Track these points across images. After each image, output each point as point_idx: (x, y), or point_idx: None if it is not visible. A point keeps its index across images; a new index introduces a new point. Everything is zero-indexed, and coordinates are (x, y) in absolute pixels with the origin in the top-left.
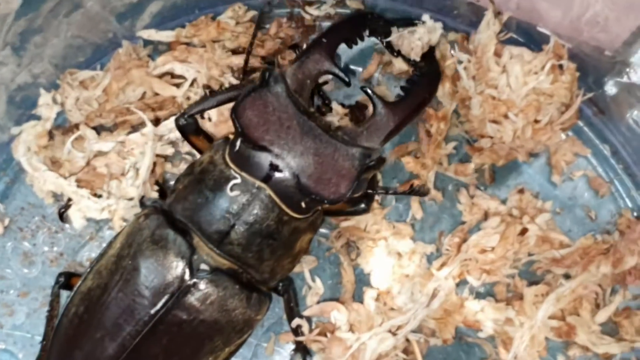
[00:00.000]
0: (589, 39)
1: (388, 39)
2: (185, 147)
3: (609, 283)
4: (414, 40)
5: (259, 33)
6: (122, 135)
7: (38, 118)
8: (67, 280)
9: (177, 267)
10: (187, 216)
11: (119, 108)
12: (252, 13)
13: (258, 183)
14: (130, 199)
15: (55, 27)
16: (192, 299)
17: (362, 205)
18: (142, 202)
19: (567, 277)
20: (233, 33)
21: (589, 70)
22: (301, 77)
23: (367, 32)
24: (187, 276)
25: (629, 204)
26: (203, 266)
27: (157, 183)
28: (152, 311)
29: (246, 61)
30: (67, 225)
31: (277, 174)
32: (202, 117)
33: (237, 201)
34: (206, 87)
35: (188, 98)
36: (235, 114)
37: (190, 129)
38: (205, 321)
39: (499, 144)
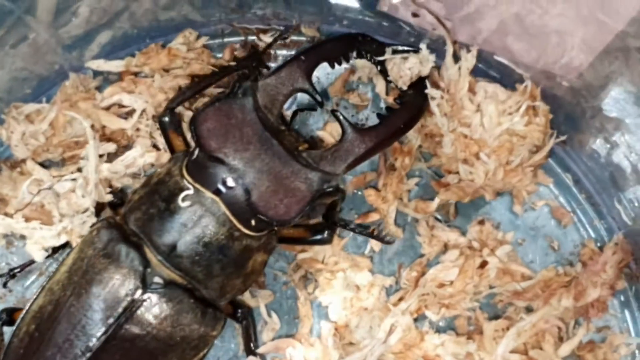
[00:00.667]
0: (561, 80)
1: (379, 59)
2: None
3: (572, 316)
4: (405, 68)
5: (214, 60)
6: (72, 170)
7: None
8: (9, 315)
9: (129, 281)
10: (139, 226)
11: (66, 142)
12: (203, 39)
13: (211, 196)
14: (85, 211)
15: (1, 58)
16: (145, 313)
17: (324, 235)
18: (99, 208)
19: (529, 309)
20: (185, 60)
21: (559, 109)
22: (273, 93)
23: (354, 54)
24: (139, 290)
25: (592, 234)
26: (156, 279)
27: (110, 187)
28: (104, 326)
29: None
30: (15, 259)
31: (229, 188)
32: (158, 149)
33: (188, 213)
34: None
35: (138, 129)
36: (194, 123)
37: (171, 126)
38: (159, 336)
39: (466, 181)
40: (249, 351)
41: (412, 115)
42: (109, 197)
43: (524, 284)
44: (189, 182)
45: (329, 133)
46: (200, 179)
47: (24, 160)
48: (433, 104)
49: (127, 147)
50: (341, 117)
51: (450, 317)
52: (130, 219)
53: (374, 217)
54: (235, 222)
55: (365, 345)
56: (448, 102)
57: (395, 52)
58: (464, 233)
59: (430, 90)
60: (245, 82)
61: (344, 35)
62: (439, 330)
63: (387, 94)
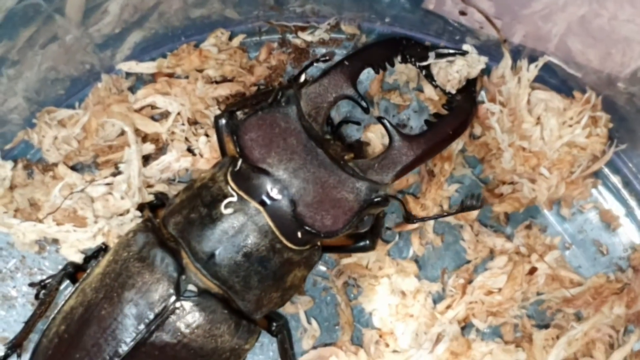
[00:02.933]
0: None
1: (424, 64)
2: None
3: (623, 323)
4: (452, 72)
5: (247, 60)
6: (105, 175)
7: (14, 155)
8: (74, 270)
9: (163, 287)
10: (178, 231)
11: (100, 147)
12: (239, 38)
13: (255, 205)
14: (125, 213)
15: (30, 58)
16: (177, 321)
17: (367, 242)
18: (140, 209)
19: (578, 316)
20: (217, 61)
21: (614, 113)
22: (317, 100)
23: (399, 58)
24: (172, 297)
25: None
26: (191, 287)
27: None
28: (135, 332)
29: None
30: (47, 265)
31: (275, 199)
32: (194, 154)
33: (230, 221)
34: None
35: (173, 133)
36: (237, 133)
37: (227, 129)
38: (190, 346)
39: (521, 192)
40: None
41: (462, 121)
42: (150, 197)
43: (573, 291)
44: (233, 189)
45: (374, 135)
46: (245, 187)
47: (55, 164)
48: (492, 119)
49: (162, 150)
50: (388, 125)
51: (497, 324)
52: (170, 222)
53: (413, 225)
54: (278, 234)
55: (411, 355)
56: (508, 117)
57: (440, 55)
58: (509, 237)
59: (488, 105)
60: (289, 90)
61: (388, 39)
62: (484, 338)
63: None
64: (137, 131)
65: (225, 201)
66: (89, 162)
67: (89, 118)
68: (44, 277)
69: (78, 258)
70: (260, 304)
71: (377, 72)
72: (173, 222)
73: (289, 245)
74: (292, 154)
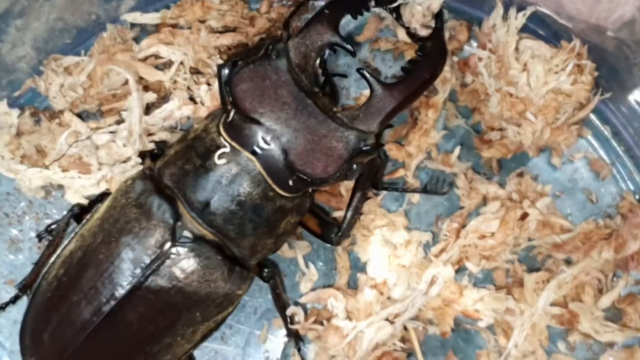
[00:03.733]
0: (612, 34)
1: (393, 5)
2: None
3: (612, 268)
4: (415, 6)
5: (248, 11)
6: (109, 122)
7: (21, 103)
8: (80, 211)
9: (159, 233)
10: (174, 181)
11: (104, 95)
12: None
13: (247, 155)
14: (127, 160)
15: (37, 9)
16: (172, 266)
17: (333, 237)
18: (142, 156)
19: (568, 262)
20: (219, 11)
21: (603, 63)
22: (304, 51)
23: (372, 3)
24: (168, 243)
25: (631, 187)
26: (186, 233)
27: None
28: (131, 276)
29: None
30: (54, 210)
31: (266, 148)
32: (195, 103)
33: (223, 171)
34: None
35: (175, 82)
36: (229, 84)
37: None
38: (184, 290)
39: (508, 138)
40: (280, 310)
41: (436, 65)
42: (151, 145)
43: (563, 237)
44: (225, 140)
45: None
46: (238, 138)
47: (61, 112)
48: (480, 65)
49: (164, 99)
50: (367, 75)
51: (489, 269)
52: (165, 173)
53: (401, 172)
54: (270, 182)
55: (406, 296)
56: (496, 64)
57: None
58: (502, 185)
59: (476, 51)
60: (278, 43)
61: None
62: (477, 283)
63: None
64: (140, 80)
65: (219, 152)
66: (93, 110)
67: (94, 66)
68: (49, 221)
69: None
70: (255, 250)
71: (354, 18)
72: (168, 173)
73: (281, 192)
74: (283, 104)
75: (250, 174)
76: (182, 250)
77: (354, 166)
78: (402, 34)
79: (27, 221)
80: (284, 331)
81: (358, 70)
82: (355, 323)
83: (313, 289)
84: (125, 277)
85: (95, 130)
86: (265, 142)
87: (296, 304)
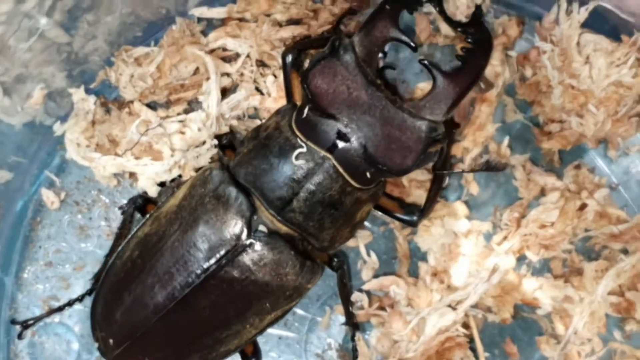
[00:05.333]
0: None
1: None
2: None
3: None
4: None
5: (312, 3)
6: (178, 111)
7: (94, 92)
8: (144, 203)
9: (236, 225)
10: (250, 181)
11: (172, 85)
12: None
13: (323, 153)
14: (202, 144)
15: (108, 4)
16: (247, 258)
17: (414, 218)
18: (218, 139)
19: (624, 252)
20: (284, 4)
21: None
22: (368, 46)
23: None
24: (244, 235)
25: None
26: (261, 228)
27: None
28: (206, 265)
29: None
30: (123, 200)
31: (344, 144)
32: (262, 94)
33: (301, 170)
34: None
35: (242, 74)
36: (305, 80)
37: (294, 65)
38: (257, 282)
39: (568, 130)
40: (343, 299)
41: (488, 50)
42: (226, 129)
43: (621, 227)
44: (301, 140)
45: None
46: (313, 136)
47: (131, 102)
48: (544, 57)
49: (231, 91)
50: (429, 65)
51: (547, 258)
52: (240, 173)
53: (460, 167)
54: (347, 177)
55: (468, 283)
56: (559, 56)
57: None
58: (559, 177)
59: (540, 44)
60: (344, 39)
61: None
62: (534, 273)
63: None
64: (208, 71)
65: (296, 152)
66: (162, 101)
67: (163, 57)
68: (117, 209)
69: (154, 190)
70: (334, 241)
71: (410, 13)
72: (244, 172)
73: (358, 186)
74: (357, 99)
75: (328, 171)
76: (257, 243)
77: (429, 155)
78: (445, 28)
79: (97, 209)
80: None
81: (420, 61)
82: (418, 310)
83: (375, 277)
84: (200, 266)
85: (164, 119)
86: (342, 137)
87: (359, 291)
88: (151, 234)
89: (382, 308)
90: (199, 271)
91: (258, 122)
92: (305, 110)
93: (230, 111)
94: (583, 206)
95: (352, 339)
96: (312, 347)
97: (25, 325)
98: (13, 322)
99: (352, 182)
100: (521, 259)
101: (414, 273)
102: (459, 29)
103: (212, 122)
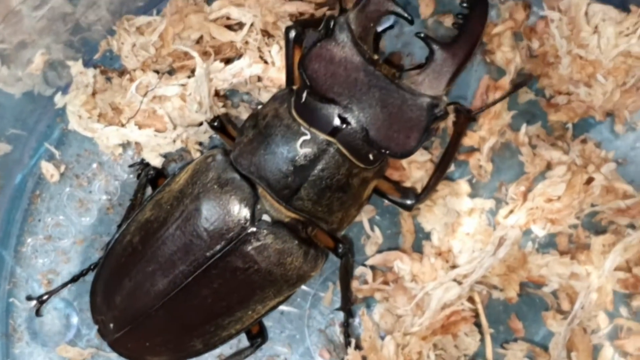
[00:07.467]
0: None
1: None
2: (243, 88)
3: None
4: None
5: None
6: (182, 79)
7: (96, 62)
8: (156, 176)
9: (240, 214)
10: (253, 172)
11: (176, 53)
12: None
13: (326, 137)
14: (200, 124)
15: None
16: (250, 247)
17: (412, 201)
18: (210, 123)
19: (631, 227)
20: None
21: None
22: (364, 22)
23: None
24: (248, 224)
25: None
26: (265, 217)
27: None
28: (208, 254)
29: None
30: (124, 174)
31: (346, 127)
32: (266, 63)
33: (306, 157)
34: None
35: (246, 42)
36: (302, 66)
37: (297, 40)
38: (260, 271)
39: (577, 102)
40: (343, 285)
41: (483, 12)
42: (222, 110)
43: (628, 202)
44: (304, 127)
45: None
46: (315, 121)
47: (133, 70)
48: (552, 26)
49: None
50: (425, 37)
51: (553, 233)
52: (243, 164)
53: (476, 155)
54: (354, 160)
55: (474, 257)
56: (567, 25)
57: None
58: (565, 151)
59: (548, 12)
60: (339, 17)
61: None
62: (539, 249)
63: None
64: (212, 39)
65: (300, 140)
66: (165, 70)
67: (166, 26)
68: (120, 185)
69: (158, 162)
70: (343, 222)
71: None
72: (247, 163)
73: (364, 166)
74: (355, 80)
75: (333, 156)
76: (260, 232)
77: (430, 131)
78: None
79: (97, 182)
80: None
81: (416, 34)
82: (423, 284)
83: (378, 252)
84: (202, 255)
85: (163, 80)
86: (343, 120)
87: (363, 266)
88: (152, 220)
89: (386, 283)
90: (201, 260)
91: (252, 108)
92: (304, 95)
93: (232, 77)
94: (590, 180)
95: (345, 324)
96: (314, 322)
97: (41, 300)
98: (29, 298)
99: (358, 164)
100: (526, 235)
101: (418, 248)
102: None
103: (205, 109)
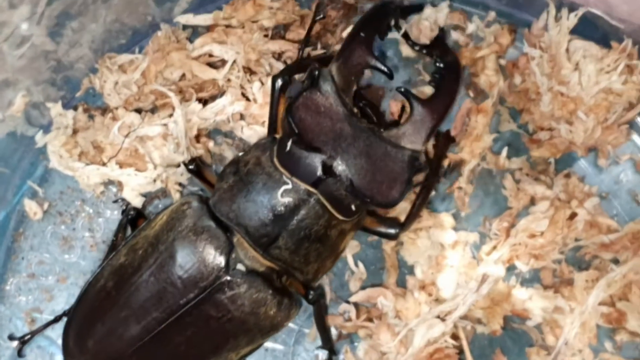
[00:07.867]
0: None
1: (404, 27)
2: (225, 126)
3: None
4: (422, 22)
5: (299, 9)
6: (163, 116)
7: (79, 100)
8: (136, 216)
9: (214, 263)
10: (232, 218)
11: (158, 91)
12: None
13: (308, 188)
14: (178, 166)
15: (93, 12)
16: (224, 296)
17: (396, 230)
18: (187, 165)
19: (615, 262)
20: (270, 10)
21: None
22: (346, 74)
23: (392, 22)
24: (222, 273)
25: None
26: (239, 266)
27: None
28: (182, 301)
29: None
30: (107, 211)
31: (329, 177)
32: (248, 100)
33: (286, 206)
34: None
35: (229, 80)
36: (290, 114)
37: (283, 89)
38: (233, 320)
39: (559, 138)
40: (320, 328)
41: (458, 72)
42: (200, 152)
43: (611, 236)
44: (286, 175)
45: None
46: (297, 171)
47: (115, 108)
48: (533, 64)
49: (218, 96)
50: (407, 93)
51: (537, 269)
52: (222, 210)
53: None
54: (333, 211)
55: (457, 295)
56: (548, 63)
57: (407, 10)
58: (549, 186)
59: (529, 50)
60: (322, 68)
61: (380, 5)
62: (524, 283)
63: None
64: (194, 77)
65: (281, 189)
66: (147, 107)
67: (148, 64)
68: (104, 222)
69: (139, 201)
70: (318, 273)
71: (382, 39)
72: (226, 210)
73: (343, 218)
74: (341, 130)
75: (313, 207)
76: (234, 282)
77: (411, 183)
78: (405, 50)
79: (80, 220)
80: (333, 328)
81: (397, 89)
82: (406, 321)
83: (362, 288)
84: (175, 302)
85: (148, 123)
86: (328, 170)
87: (346, 302)
88: (126, 265)
89: (370, 320)
90: (175, 307)
91: (235, 145)
92: (289, 144)
93: (215, 115)
94: (573, 215)
95: None
96: (299, 359)
97: (23, 340)
98: (10, 337)
99: (338, 216)
100: (510, 269)
101: (402, 283)
102: (424, 52)
103: (183, 150)
